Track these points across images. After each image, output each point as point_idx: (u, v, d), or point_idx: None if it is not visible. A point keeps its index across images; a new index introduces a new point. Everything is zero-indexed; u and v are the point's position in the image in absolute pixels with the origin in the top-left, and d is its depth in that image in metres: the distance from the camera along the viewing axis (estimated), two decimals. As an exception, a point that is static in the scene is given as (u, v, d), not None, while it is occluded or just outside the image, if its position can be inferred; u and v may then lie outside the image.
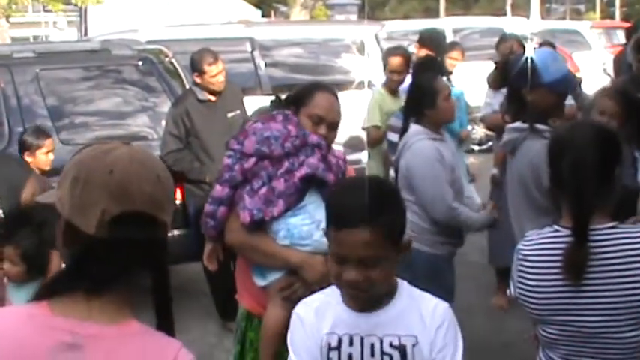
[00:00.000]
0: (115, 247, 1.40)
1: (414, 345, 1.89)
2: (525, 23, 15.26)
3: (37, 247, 3.34)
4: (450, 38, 10.54)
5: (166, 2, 14.78)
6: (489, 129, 6.54)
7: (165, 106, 5.63)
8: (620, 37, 15.38)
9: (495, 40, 6.37)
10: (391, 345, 1.90)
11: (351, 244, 1.83)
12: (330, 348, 1.95)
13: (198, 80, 5.29)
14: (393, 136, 4.74)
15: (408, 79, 5.48)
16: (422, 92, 3.88)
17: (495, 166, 5.56)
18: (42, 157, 4.80)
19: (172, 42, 7.20)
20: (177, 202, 5.31)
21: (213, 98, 5.32)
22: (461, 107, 5.60)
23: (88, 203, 1.41)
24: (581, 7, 39.61)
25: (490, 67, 6.14)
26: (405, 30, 12.75)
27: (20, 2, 17.33)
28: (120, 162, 1.43)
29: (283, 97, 2.94)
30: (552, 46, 6.42)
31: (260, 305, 2.80)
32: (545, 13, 31.60)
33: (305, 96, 2.83)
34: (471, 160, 8.48)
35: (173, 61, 6.36)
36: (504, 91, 4.66)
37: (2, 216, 4.18)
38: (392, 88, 5.77)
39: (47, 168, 4.79)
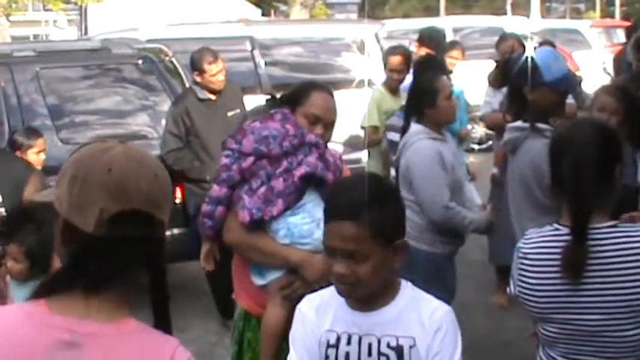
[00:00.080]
0: (113, 246, 1.40)
1: (411, 347, 1.88)
2: (525, 22, 15.25)
3: (41, 245, 3.35)
4: (450, 37, 10.53)
5: (166, 1, 14.77)
6: (489, 128, 6.54)
7: (165, 105, 5.64)
8: (620, 36, 15.38)
9: (495, 39, 6.36)
10: (388, 346, 1.90)
11: (337, 236, 1.86)
12: (328, 345, 1.95)
13: (198, 79, 5.29)
14: (394, 136, 4.73)
15: (409, 78, 5.48)
16: (422, 91, 3.87)
17: (495, 165, 5.56)
18: (33, 157, 4.79)
19: (172, 41, 7.20)
20: (178, 200, 5.31)
21: (213, 97, 5.32)
22: (461, 106, 5.60)
23: (87, 202, 1.41)
24: (581, 6, 39.59)
25: (490, 66, 6.15)
26: (405, 29, 12.74)
27: (20, 1, 17.35)
28: (117, 160, 1.43)
29: (278, 96, 2.94)
30: (552, 45, 6.41)
31: (258, 305, 2.79)
32: (546, 12, 31.59)
33: (301, 95, 2.83)
34: (470, 159, 8.47)
35: (173, 60, 6.36)
36: (504, 90, 4.67)
37: (4, 214, 4.18)
38: (392, 87, 5.77)
39: (38, 167, 4.78)
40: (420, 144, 3.76)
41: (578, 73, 8.51)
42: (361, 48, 8.14)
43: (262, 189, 2.68)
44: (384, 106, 5.65)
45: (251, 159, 2.71)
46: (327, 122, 2.81)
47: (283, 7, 26.39)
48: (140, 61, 5.80)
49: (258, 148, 2.71)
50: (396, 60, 5.70)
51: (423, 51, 6.22)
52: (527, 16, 21.69)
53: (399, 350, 1.89)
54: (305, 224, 2.69)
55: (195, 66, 5.25)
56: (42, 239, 3.35)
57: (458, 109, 4.27)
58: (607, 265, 2.08)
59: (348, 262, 1.85)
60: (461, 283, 3.98)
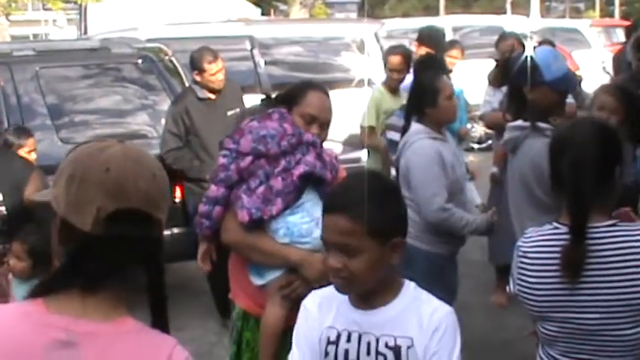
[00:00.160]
0: (111, 245, 1.40)
1: (408, 347, 1.88)
2: (525, 21, 15.26)
3: (44, 244, 3.34)
4: (449, 36, 10.54)
5: (166, 1, 14.75)
6: (489, 127, 6.54)
7: (164, 104, 5.63)
8: (620, 36, 15.36)
9: (495, 38, 6.36)
10: (386, 345, 1.89)
11: (331, 229, 1.87)
12: (328, 342, 1.95)
13: (197, 78, 5.29)
14: (394, 135, 4.73)
15: (409, 78, 5.48)
16: (423, 91, 3.87)
17: (495, 164, 5.56)
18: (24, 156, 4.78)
19: (172, 40, 7.20)
20: (177, 200, 5.31)
21: (212, 96, 5.32)
22: (460, 105, 5.59)
23: (84, 201, 1.41)
24: (581, 6, 39.58)
25: (490, 65, 6.15)
26: (405, 28, 12.74)
27: (20, 0, 17.32)
28: (115, 160, 1.43)
29: (273, 95, 2.94)
30: (552, 44, 6.41)
31: (257, 305, 2.79)
32: (545, 12, 31.60)
33: (297, 95, 2.83)
34: (470, 158, 8.47)
35: (173, 59, 6.36)
36: (504, 89, 4.67)
37: (4, 213, 4.18)
38: (392, 87, 5.77)
39: None
40: (420, 144, 3.75)
41: (577, 73, 8.51)
42: (361, 47, 8.13)
43: (261, 188, 2.68)
44: (383, 105, 5.65)
45: (249, 158, 2.71)
46: (323, 122, 2.81)
47: (283, 7, 26.38)
48: (140, 61, 5.80)
49: (257, 148, 2.70)
50: (396, 60, 5.70)
51: (423, 50, 6.21)
52: (527, 15, 21.72)
53: (396, 350, 1.88)
54: (304, 223, 2.69)
55: (195, 65, 5.25)
56: (45, 238, 3.34)
57: (458, 109, 4.27)
58: (606, 265, 2.08)
59: (341, 255, 1.85)
60: (461, 282, 3.98)
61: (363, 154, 6.26)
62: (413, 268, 3.18)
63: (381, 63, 6.31)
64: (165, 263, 1.51)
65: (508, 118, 3.52)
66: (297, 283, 2.69)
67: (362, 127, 5.84)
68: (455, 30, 12.83)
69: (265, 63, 7.98)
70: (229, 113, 5.31)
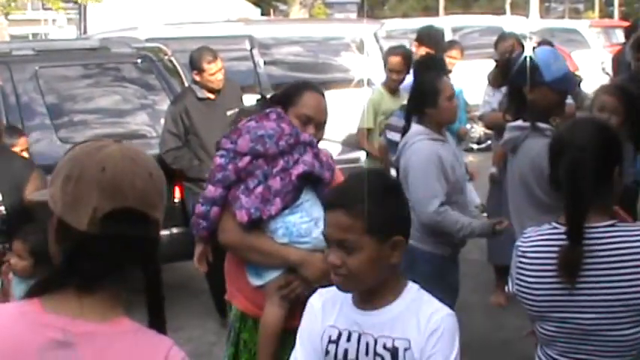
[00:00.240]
0: (107, 244, 1.39)
1: (406, 349, 1.88)
2: (524, 22, 15.28)
3: (45, 243, 3.34)
4: (449, 37, 10.54)
5: (165, 0, 14.75)
6: (488, 127, 6.53)
7: (164, 104, 5.63)
8: (619, 36, 15.36)
9: (494, 38, 6.36)
10: (384, 347, 1.89)
11: (330, 224, 1.90)
12: (329, 341, 1.96)
13: (197, 78, 5.29)
14: (394, 135, 4.73)
15: (409, 79, 5.48)
16: (424, 91, 3.85)
17: (494, 164, 5.56)
18: None
19: (171, 40, 7.19)
20: (177, 200, 5.30)
21: (212, 96, 5.32)
22: (460, 105, 5.60)
23: (80, 200, 1.40)
24: (580, 6, 39.60)
25: (489, 65, 6.14)
26: (404, 28, 12.74)
27: (19, 0, 17.31)
28: (111, 159, 1.43)
29: (269, 96, 2.94)
30: (551, 44, 6.39)
31: (255, 306, 2.78)
32: (545, 12, 31.64)
33: (293, 96, 2.83)
34: (469, 158, 8.48)
35: (172, 59, 6.35)
36: (503, 89, 4.67)
37: (4, 212, 4.17)
38: (391, 88, 5.76)
39: None
40: (419, 145, 3.74)
41: (577, 73, 8.50)
42: (360, 47, 8.13)
43: (259, 188, 2.67)
44: (383, 106, 5.65)
45: (247, 158, 2.70)
46: (318, 122, 2.82)
47: (283, 7, 26.39)
48: (139, 60, 5.80)
49: (255, 148, 2.70)
50: (395, 60, 5.70)
51: (422, 50, 6.21)
52: (527, 15, 21.74)
53: (394, 352, 1.88)
54: (303, 223, 2.69)
55: (195, 65, 5.25)
56: (45, 237, 3.34)
57: (458, 109, 4.27)
58: (604, 265, 2.08)
59: (340, 252, 1.87)
60: (460, 282, 3.97)
61: (362, 155, 6.25)
62: (414, 269, 3.19)
63: (380, 63, 6.30)
64: (165, 263, 1.51)
65: (508, 118, 3.52)
66: (296, 283, 2.69)
67: (359, 130, 5.83)
68: (454, 30, 12.83)
69: (265, 63, 7.97)
70: (229, 113, 5.30)
